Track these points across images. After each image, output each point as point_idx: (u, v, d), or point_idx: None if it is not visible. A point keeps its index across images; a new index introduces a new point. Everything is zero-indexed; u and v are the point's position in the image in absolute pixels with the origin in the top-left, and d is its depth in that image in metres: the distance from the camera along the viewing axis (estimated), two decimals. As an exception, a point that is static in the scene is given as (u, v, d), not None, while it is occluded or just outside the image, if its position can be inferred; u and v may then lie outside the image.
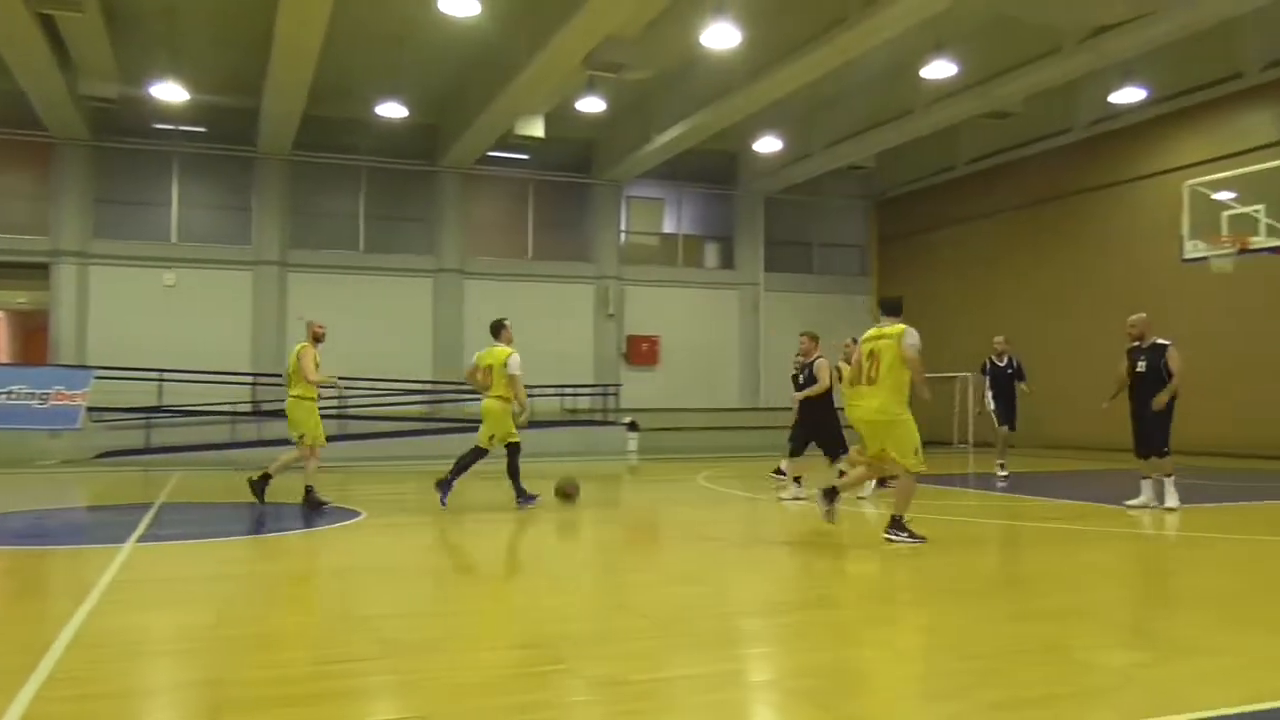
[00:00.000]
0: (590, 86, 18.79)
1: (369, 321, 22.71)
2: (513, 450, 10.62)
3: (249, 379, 21.48)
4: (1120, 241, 21.16)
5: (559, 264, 25.95)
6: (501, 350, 10.48)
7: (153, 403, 20.12)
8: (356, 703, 3.93)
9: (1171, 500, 10.16)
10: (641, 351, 26.40)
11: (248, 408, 20.87)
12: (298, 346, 10.55)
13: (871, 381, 7.96)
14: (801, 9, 16.69)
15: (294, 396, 10.41)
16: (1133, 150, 21.29)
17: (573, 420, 23.64)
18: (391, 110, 20.59)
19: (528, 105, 19.95)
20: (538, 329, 25.07)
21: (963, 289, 25.49)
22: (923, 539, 7.79)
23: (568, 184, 26.46)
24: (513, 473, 10.64)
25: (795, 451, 11.55)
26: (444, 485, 10.27)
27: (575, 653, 4.60)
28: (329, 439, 11.44)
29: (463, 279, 24.83)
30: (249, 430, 19.68)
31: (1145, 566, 7.72)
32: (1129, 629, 5.11)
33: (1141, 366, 10.41)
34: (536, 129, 21.26)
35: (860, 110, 22.67)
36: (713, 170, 27.44)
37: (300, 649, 4.72)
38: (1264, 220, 14.01)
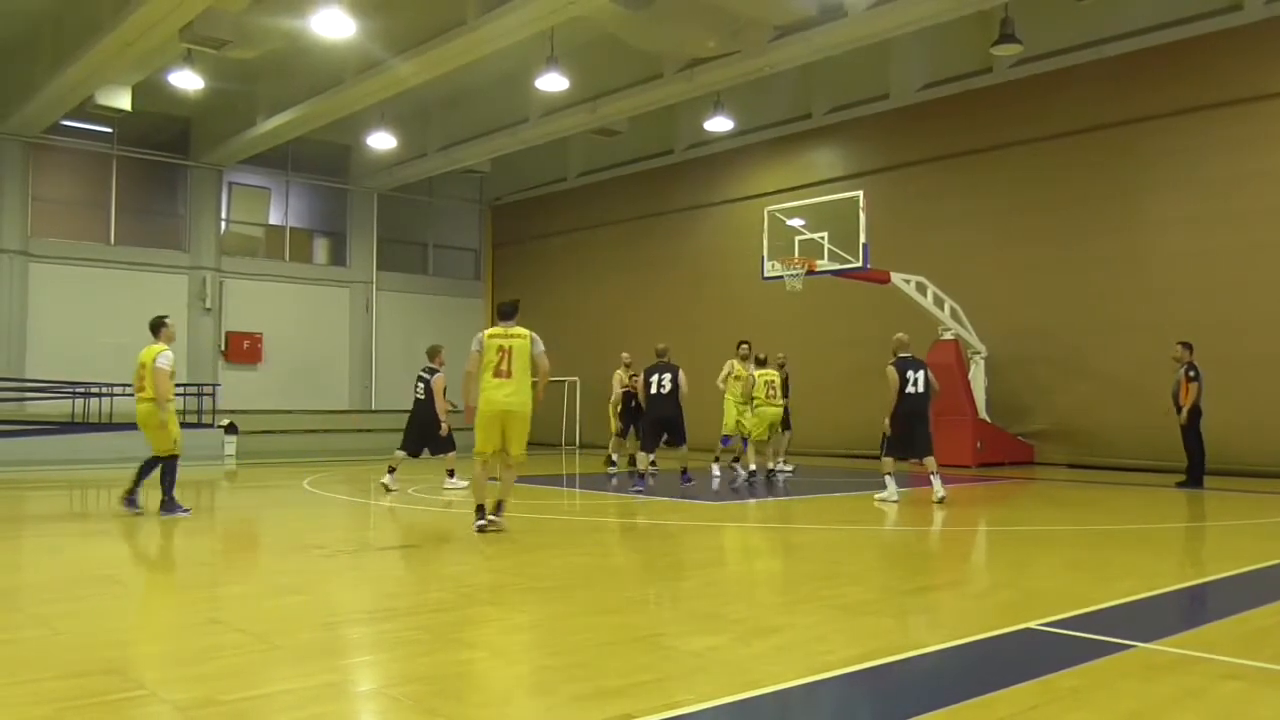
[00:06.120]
0: (188, 60, 17.35)
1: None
2: (156, 459, 10.06)
3: None
4: (717, 258, 23.02)
5: (148, 251, 23.70)
6: (154, 347, 9.92)
7: None
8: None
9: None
10: (242, 349, 24.78)
11: None
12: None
13: (507, 375, 8.51)
14: (419, 7, 16.56)
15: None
16: (725, 175, 23.35)
17: (161, 423, 21.64)
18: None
19: (113, 73, 18.01)
20: (121, 322, 22.72)
21: (577, 295, 26.52)
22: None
23: (160, 164, 24.25)
24: (144, 475, 10.04)
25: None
26: (167, 505, 9.84)
27: (159, 675, 4.20)
28: None
29: (27, 262, 21.90)
30: None
31: (720, 556, 8.47)
32: (707, 615, 5.57)
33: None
34: (122, 101, 19.26)
35: (477, 114, 22.91)
36: (324, 162, 26.41)
37: None
38: (828, 246, 15.98)
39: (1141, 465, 15.80)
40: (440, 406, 12.62)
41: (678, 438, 12.57)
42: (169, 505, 9.93)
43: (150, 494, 10.03)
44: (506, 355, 8.55)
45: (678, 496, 11.84)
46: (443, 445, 12.73)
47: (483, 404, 8.57)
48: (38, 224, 22.30)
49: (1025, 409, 18.14)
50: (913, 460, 11.60)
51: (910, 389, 11.30)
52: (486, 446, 8.61)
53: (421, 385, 12.83)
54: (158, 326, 10.11)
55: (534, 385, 8.79)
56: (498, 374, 8.52)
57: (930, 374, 11.58)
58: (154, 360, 9.78)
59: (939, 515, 10.64)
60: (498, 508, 8.70)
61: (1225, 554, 8.28)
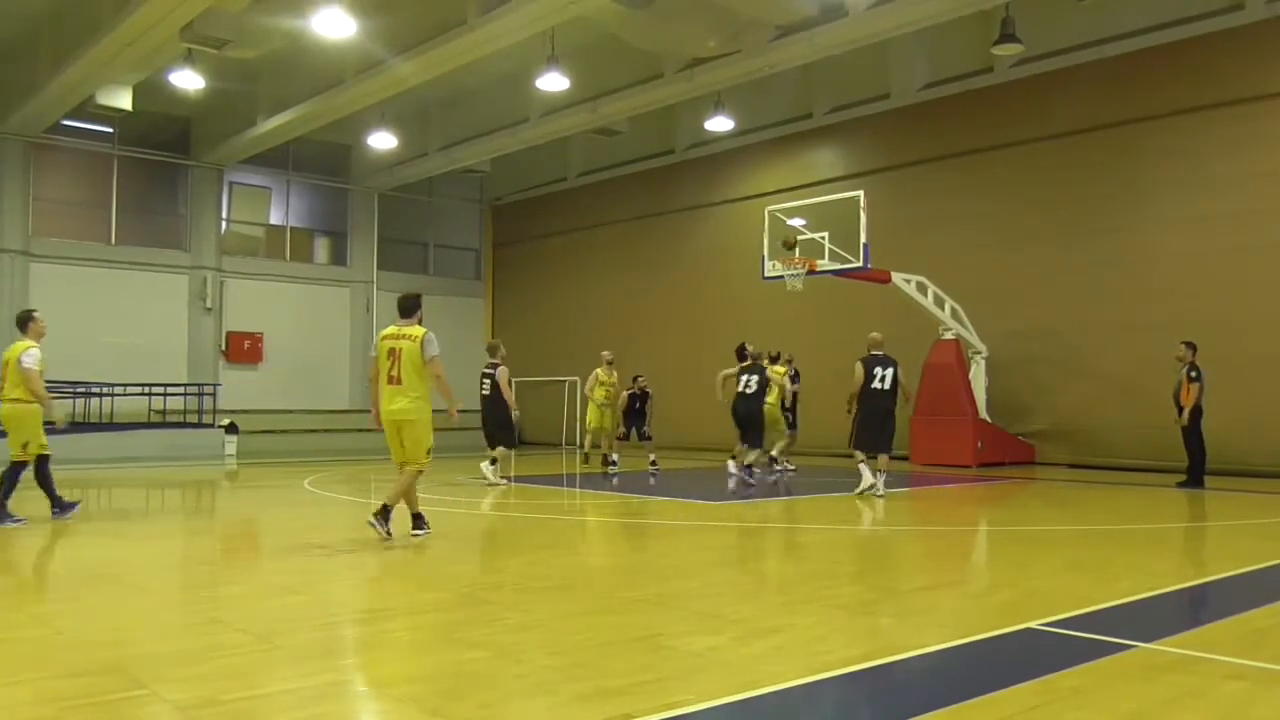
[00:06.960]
0: (188, 60, 17.35)
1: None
2: (42, 461, 9.45)
3: None
4: (717, 258, 22.99)
5: (149, 251, 23.70)
6: (20, 344, 9.14)
7: None
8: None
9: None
10: (243, 349, 24.78)
11: None
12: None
13: (398, 382, 7.90)
14: (419, 7, 16.57)
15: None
16: (725, 175, 23.34)
17: (161, 423, 21.67)
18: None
19: (113, 73, 18.00)
20: (122, 322, 22.82)
21: (577, 295, 26.50)
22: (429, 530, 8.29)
23: (161, 164, 24.25)
24: (45, 482, 9.59)
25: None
26: None
27: (158, 675, 4.20)
28: None
29: (28, 262, 21.91)
30: None
31: (721, 556, 8.47)
32: (707, 615, 5.57)
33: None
34: (123, 100, 19.26)
35: (477, 114, 22.92)
36: (325, 162, 26.41)
37: None
38: (828, 246, 15.97)
39: (1142, 465, 15.79)
40: (509, 398, 13.54)
41: (755, 438, 13.22)
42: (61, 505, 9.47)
43: (33, 503, 9.71)
44: (396, 359, 7.86)
45: (687, 496, 11.85)
46: (506, 439, 13.76)
47: (381, 413, 8.05)
48: (39, 224, 22.30)
49: (1026, 409, 18.13)
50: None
51: (876, 384, 11.54)
52: (397, 458, 8.21)
53: (488, 381, 13.58)
54: (25, 321, 9.26)
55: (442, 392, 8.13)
56: (390, 380, 7.87)
57: (900, 373, 11.75)
58: (19, 359, 8.99)
59: (939, 515, 10.63)
60: (383, 511, 8.02)
61: (1226, 554, 8.28)
